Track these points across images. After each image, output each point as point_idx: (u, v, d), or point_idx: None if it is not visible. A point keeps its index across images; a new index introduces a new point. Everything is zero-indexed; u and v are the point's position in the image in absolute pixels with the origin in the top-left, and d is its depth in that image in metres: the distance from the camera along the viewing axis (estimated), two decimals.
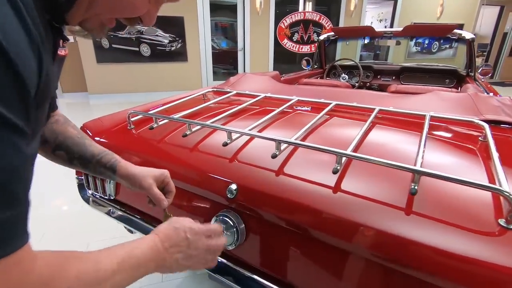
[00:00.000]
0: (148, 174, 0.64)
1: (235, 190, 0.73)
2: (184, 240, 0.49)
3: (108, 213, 1.05)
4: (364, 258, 0.60)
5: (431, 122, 0.91)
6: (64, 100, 5.38)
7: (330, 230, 0.61)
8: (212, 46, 5.90)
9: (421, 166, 0.62)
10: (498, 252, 0.49)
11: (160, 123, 1.01)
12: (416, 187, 0.59)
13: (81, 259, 0.36)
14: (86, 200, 1.11)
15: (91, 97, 5.36)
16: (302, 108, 1.21)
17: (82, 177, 1.10)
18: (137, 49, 5.35)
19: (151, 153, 0.92)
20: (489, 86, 1.88)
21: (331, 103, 1.10)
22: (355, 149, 0.75)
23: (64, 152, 0.63)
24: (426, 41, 7.28)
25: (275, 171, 0.74)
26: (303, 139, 0.88)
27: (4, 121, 0.24)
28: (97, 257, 0.38)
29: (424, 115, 0.95)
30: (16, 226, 0.27)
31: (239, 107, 1.13)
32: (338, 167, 0.67)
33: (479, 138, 0.88)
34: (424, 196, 0.60)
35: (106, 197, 1.05)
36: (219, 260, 0.82)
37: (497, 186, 0.53)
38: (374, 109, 1.02)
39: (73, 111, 4.71)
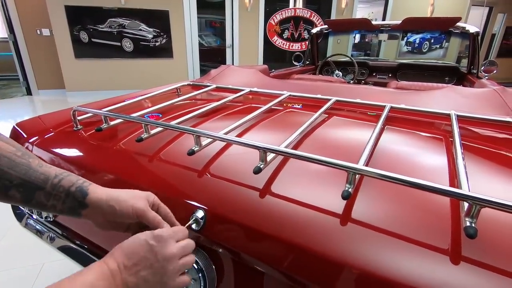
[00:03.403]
0: (138, 195, 0.47)
1: (202, 218, 0.51)
2: (149, 252, 0.39)
3: (47, 241, 0.81)
4: None
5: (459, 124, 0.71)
6: (40, 97, 5.03)
7: (336, 284, 0.40)
8: (200, 43, 5.65)
9: (469, 190, 0.42)
10: None
11: (112, 123, 0.78)
12: (474, 225, 0.38)
13: None
14: (20, 221, 0.87)
15: (69, 95, 5.02)
16: (295, 106, 1.00)
17: None
18: (119, 44, 5.03)
19: (93, 163, 0.69)
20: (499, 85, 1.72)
21: (330, 99, 0.89)
22: (368, 162, 0.55)
23: None
24: (417, 41, 7.22)
25: (259, 191, 0.53)
26: (297, 146, 0.66)
27: None
28: None
29: (448, 115, 0.75)
30: None
31: (217, 103, 0.91)
32: (350, 189, 0.46)
33: None
34: (484, 238, 0.40)
35: (42, 218, 0.81)
36: None
37: None
38: (384, 107, 0.82)
39: (50, 110, 4.37)
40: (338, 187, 0.48)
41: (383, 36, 6.28)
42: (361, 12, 7.68)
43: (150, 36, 5.17)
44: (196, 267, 0.52)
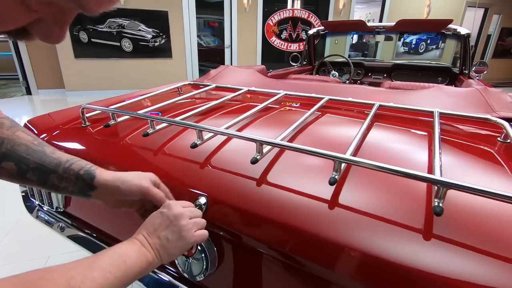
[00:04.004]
0: (142, 175, 0.53)
1: (204, 204, 0.57)
2: (162, 217, 0.47)
3: (58, 230, 0.87)
4: None
5: (440, 121, 0.77)
6: (39, 97, 5.06)
7: (326, 261, 0.46)
8: (199, 43, 5.69)
9: (441, 175, 0.48)
10: None
11: (119, 120, 0.84)
12: (441, 205, 0.44)
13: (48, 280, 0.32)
14: (31, 212, 0.92)
15: (69, 94, 5.06)
16: (290, 104, 1.05)
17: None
18: (118, 44, 5.07)
19: (103, 156, 0.74)
20: (488, 85, 1.78)
21: (323, 98, 0.95)
22: (355, 153, 0.60)
23: (14, 162, 0.49)
24: (414, 42, 7.30)
25: (256, 180, 0.58)
26: (291, 140, 0.72)
27: None
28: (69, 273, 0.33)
29: (432, 112, 0.81)
30: None
31: (217, 102, 0.96)
32: (337, 176, 0.52)
33: (498, 138, 0.75)
34: (451, 216, 0.46)
35: (53, 209, 0.86)
36: None
37: None
38: (373, 105, 0.87)
39: (49, 109, 4.41)
40: (326, 175, 0.54)
41: (380, 37, 6.36)
42: (358, 13, 7.75)
43: (149, 36, 5.21)
44: (199, 248, 0.57)
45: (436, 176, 0.45)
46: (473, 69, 2.07)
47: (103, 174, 0.51)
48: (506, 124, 0.73)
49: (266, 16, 5.91)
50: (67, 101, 4.87)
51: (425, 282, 0.39)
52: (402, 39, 7.15)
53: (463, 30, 1.99)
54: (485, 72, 2.00)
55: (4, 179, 0.50)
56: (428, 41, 7.39)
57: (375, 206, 0.50)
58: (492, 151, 0.70)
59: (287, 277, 0.54)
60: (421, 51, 7.51)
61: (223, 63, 6.05)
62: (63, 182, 0.50)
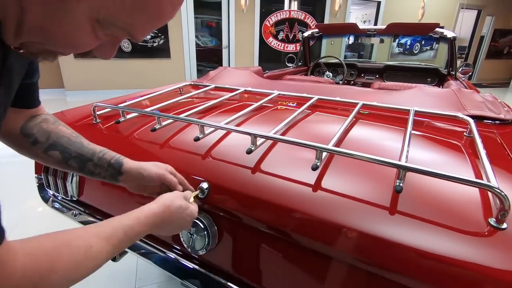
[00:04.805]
0: (160, 166, 0.63)
1: (206, 189, 0.66)
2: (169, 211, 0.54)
3: (71, 216, 0.96)
4: (345, 263, 0.55)
5: (415, 118, 0.87)
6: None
7: (309, 233, 0.56)
8: (197, 43, 5.77)
9: (406, 162, 0.57)
10: (488, 255, 0.45)
11: (128, 116, 0.93)
12: (401, 184, 0.54)
13: (71, 248, 0.36)
14: (46, 201, 1.01)
15: (68, 94, 5.13)
16: (283, 103, 1.15)
17: (42, 176, 1.00)
18: None
19: (115, 149, 0.83)
20: (470, 85, 1.89)
21: (313, 97, 1.05)
22: (337, 144, 0.70)
23: (59, 151, 0.58)
24: (408, 42, 7.43)
25: (251, 168, 0.68)
26: (282, 134, 0.82)
27: None
28: (89, 241, 0.39)
29: (408, 110, 0.91)
30: None
31: (216, 101, 1.06)
32: (318, 163, 0.61)
33: (464, 133, 0.85)
34: (409, 194, 0.56)
35: (68, 198, 0.95)
36: (190, 267, 0.75)
37: (486, 182, 0.49)
38: (357, 104, 0.97)
39: (49, 108, 4.41)
40: (311, 163, 0.63)
41: (374, 40, 6.47)
42: (354, 14, 7.85)
43: (148, 36, 5.28)
44: (202, 226, 0.67)
45: (396, 161, 0.55)
46: (459, 70, 2.18)
47: (129, 163, 0.61)
48: (471, 120, 0.83)
49: (263, 17, 6.00)
50: (66, 100, 4.94)
51: (390, 245, 0.49)
52: (397, 40, 7.27)
53: (449, 34, 2.10)
54: (470, 73, 2.11)
55: (51, 165, 0.60)
56: (423, 42, 7.52)
57: (350, 187, 0.60)
58: (458, 144, 0.80)
59: (277, 248, 0.63)
60: (415, 52, 7.64)
61: (221, 63, 6.14)
62: (98, 169, 0.60)
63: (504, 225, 0.48)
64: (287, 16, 6.17)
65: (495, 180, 0.51)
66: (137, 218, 0.48)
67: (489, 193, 0.55)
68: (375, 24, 7.11)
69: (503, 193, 0.47)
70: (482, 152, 0.64)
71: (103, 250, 0.40)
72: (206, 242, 0.67)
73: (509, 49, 8.64)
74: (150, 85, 5.54)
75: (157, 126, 0.83)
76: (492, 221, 0.49)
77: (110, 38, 0.34)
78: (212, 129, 0.78)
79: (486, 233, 0.48)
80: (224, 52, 6.06)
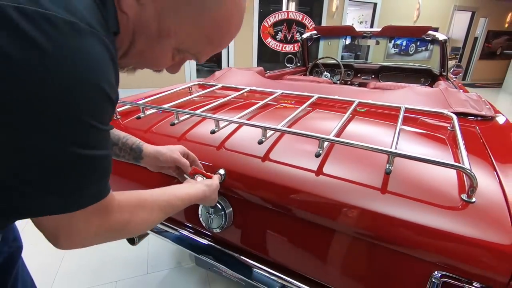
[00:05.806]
0: (173, 148, 0.73)
1: (223, 174, 0.76)
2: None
3: None
4: (344, 233, 0.65)
5: (405, 114, 0.98)
6: None
7: (314, 209, 0.66)
8: None
9: (395, 149, 0.68)
10: (461, 224, 0.56)
11: (147, 113, 1.03)
12: (390, 168, 0.65)
13: (144, 208, 0.49)
14: None
15: None
16: (286, 101, 1.25)
17: None
18: None
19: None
20: (460, 85, 2.01)
21: (313, 96, 1.15)
22: (336, 136, 0.81)
23: None
24: (404, 43, 7.57)
25: (261, 157, 0.78)
26: (288, 127, 0.92)
27: (106, 129, 0.37)
28: (158, 206, 0.52)
29: (399, 107, 1.01)
30: (106, 185, 0.40)
31: (225, 99, 1.16)
32: (321, 151, 0.72)
33: (448, 127, 0.95)
34: (397, 176, 0.66)
35: None
36: (206, 243, 0.85)
37: (459, 164, 0.60)
38: (353, 101, 1.08)
39: None
40: (314, 152, 0.73)
41: (371, 42, 6.58)
42: (351, 15, 7.97)
43: None
44: (220, 207, 0.77)
45: (386, 148, 0.66)
46: (450, 71, 2.30)
47: (148, 148, 0.72)
48: (454, 116, 0.94)
49: (262, 17, 6.09)
50: None
51: (382, 218, 0.59)
52: (393, 41, 7.41)
53: (441, 36, 2.22)
54: (460, 74, 2.23)
55: None
56: (418, 43, 7.67)
57: (348, 171, 0.70)
58: (443, 136, 0.91)
59: (284, 224, 0.73)
60: (411, 52, 7.78)
61: (220, 63, 6.22)
62: (122, 152, 0.70)
63: (473, 199, 0.58)
64: (285, 17, 6.27)
65: (468, 163, 0.62)
66: (187, 194, 0.60)
67: (464, 175, 0.65)
68: (372, 24, 7.24)
69: (472, 173, 0.57)
70: (461, 142, 0.74)
71: (160, 216, 0.53)
72: (223, 221, 0.77)
73: (502, 50, 8.83)
74: (150, 85, 5.60)
75: (176, 121, 0.93)
76: (464, 196, 0.60)
77: (181, 60, 0.48)
78: (225, 123, 0.88)
79: (459, 207, 0.59)
80: (223, 52, 6.14)
